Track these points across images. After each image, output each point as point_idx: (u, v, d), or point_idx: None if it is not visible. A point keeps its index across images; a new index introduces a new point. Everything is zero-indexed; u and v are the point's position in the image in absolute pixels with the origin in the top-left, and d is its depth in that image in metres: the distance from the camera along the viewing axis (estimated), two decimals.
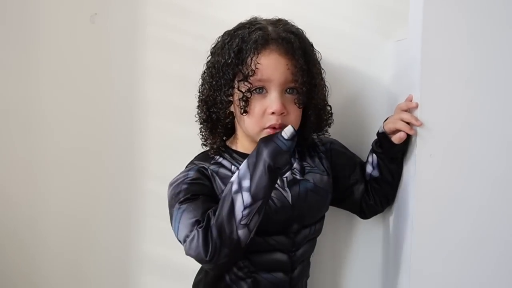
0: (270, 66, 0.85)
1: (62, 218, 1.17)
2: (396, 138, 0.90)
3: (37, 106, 1.14)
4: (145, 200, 1.14)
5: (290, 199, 0.91)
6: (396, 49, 1.04)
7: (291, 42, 0.86)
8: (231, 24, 0.92)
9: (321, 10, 1.06)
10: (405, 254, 0.92)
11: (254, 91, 0.87)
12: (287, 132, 0.82)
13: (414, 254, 0.88)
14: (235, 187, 0.81)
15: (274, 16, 0.93)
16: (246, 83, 0.86)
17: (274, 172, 0.81)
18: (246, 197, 0.79)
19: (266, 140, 0.83)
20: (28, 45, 1.13)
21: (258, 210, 0.80)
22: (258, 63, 0.85)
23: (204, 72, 0.94)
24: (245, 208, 0.79)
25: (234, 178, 0.82)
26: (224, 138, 0.97)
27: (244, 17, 0.93)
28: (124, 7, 1.10)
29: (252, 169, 0.81)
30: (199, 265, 0.93)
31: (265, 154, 0.81)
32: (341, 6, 1.06)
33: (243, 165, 0.83)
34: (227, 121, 0.92)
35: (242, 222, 0.79)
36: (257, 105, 0.87)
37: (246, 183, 0.80)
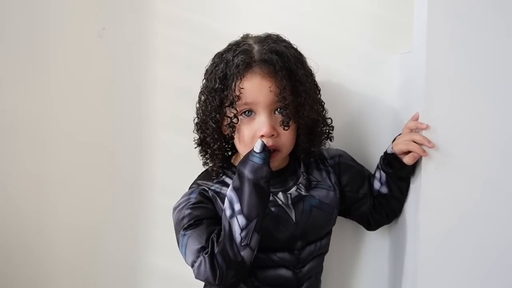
0: (253, 89, 0.85)
1: (70, 230, 1.18)
2: (410, 159, 0.89)
3: (46, 118, 1.15)
4: (152, 211, 1.15)
5: (293, 217, 0.91)
6: (400, 62, 1.04)
7: (273, 63, 0.85)
8: (237, 38, 0.93)
9: (325, 23, 1.07)
10: (412, 266, 0.92)
11: (242, 115, 0.87)
12: (257, 145, 0.82)
13: (420, 266, 0.88)
14: (228, 212, 0.82)
15: (275, 29, 0.93)
16: (232, 108, 0.86)
17: (260, 187, 0.81)
18: (241, 219, 0.81)
19: (242, 162, 0.84)
20: (37, 59, 1.14)
21: (255, 228, 0.81)
22: (242, 87, 0.85)
23: (199, 95, 0.94)
24: (242, 230, 0.81)
25: (226, 204, 0.83)
26: (229, 154, 0.97)
27: (249, 31, 0.94)
28: (132, 21, 1.12)
29: (240, 192, 0.82)
30: None
31: (246, 173, 0.82)
32: (345, 20, 1.07)
33: (230, 191, 0.83)
34: (223, 143, 0.92)
35: (242, 244, 0.81)
36: (246, 129, 0.88)
37: (237, 207, 0.81)
